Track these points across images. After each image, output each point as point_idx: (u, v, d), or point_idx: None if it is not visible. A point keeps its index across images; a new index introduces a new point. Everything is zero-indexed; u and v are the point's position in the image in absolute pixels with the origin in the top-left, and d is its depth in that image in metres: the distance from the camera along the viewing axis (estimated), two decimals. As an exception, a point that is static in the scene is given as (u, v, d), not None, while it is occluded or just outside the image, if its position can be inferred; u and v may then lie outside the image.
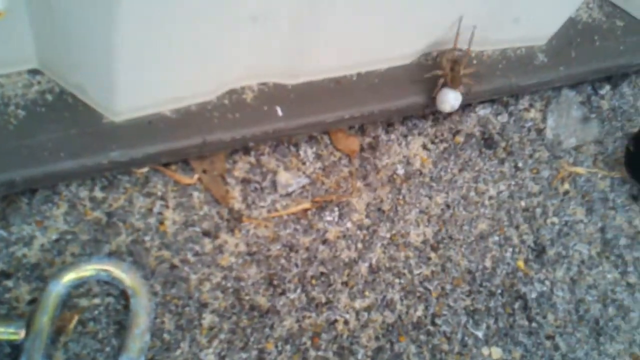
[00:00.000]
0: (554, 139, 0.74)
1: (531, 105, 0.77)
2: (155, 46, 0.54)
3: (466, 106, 0.74)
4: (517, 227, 0.70)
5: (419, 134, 0.72)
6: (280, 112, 0.64)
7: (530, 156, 0.74)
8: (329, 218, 0.66)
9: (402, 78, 0.69)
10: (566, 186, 0.73)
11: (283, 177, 0.66)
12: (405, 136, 0.71)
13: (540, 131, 0.75)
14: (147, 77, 0.57)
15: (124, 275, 0.58)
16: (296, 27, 0.58)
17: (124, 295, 0.58)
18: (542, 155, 0.74)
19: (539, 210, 0.71)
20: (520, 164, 0.73)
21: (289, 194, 0.66)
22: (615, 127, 0.78)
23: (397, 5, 0.61)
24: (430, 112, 0.72)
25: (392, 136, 0.71)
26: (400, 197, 0.68)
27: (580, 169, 0.74)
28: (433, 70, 0.67)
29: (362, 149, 0.70)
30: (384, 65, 0.69)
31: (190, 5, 0.51)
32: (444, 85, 0.67)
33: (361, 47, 0.65)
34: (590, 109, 0.78)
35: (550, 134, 0.75)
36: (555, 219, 0.71)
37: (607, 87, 0.79)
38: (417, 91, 0.69)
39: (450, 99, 0.67)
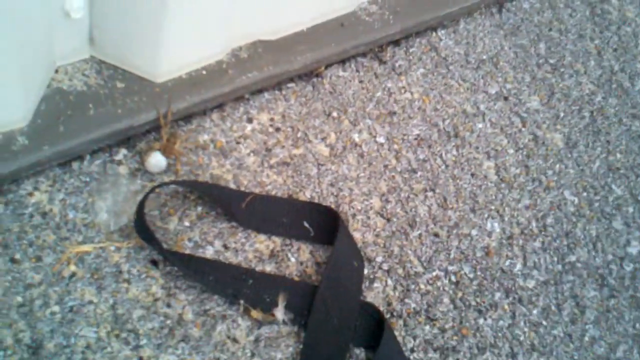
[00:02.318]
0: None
1: (36, 189, 0.73)
2: None
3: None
4: (10, 326, 0.66)
5: None
6: None
7: (32, 244, 0.70)
8: None
9: None
10: (72, 268, 0.70)
11: None
12: None
13: (45, 214, 0.72)
14: None
15: None
16: None
17: None
18: (46, 241, 0.71)
19: (38, 302, 0.68)
20: (18, 256, 0.70)
21: None
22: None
23: None
24: None
25: None
26: None
27: (87, 247, 0.72)
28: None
29: None
30: None
31: None
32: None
33: None
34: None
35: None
36: (57, 308, 0.68)
37: (124, 151, 0.78)
38: None
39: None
